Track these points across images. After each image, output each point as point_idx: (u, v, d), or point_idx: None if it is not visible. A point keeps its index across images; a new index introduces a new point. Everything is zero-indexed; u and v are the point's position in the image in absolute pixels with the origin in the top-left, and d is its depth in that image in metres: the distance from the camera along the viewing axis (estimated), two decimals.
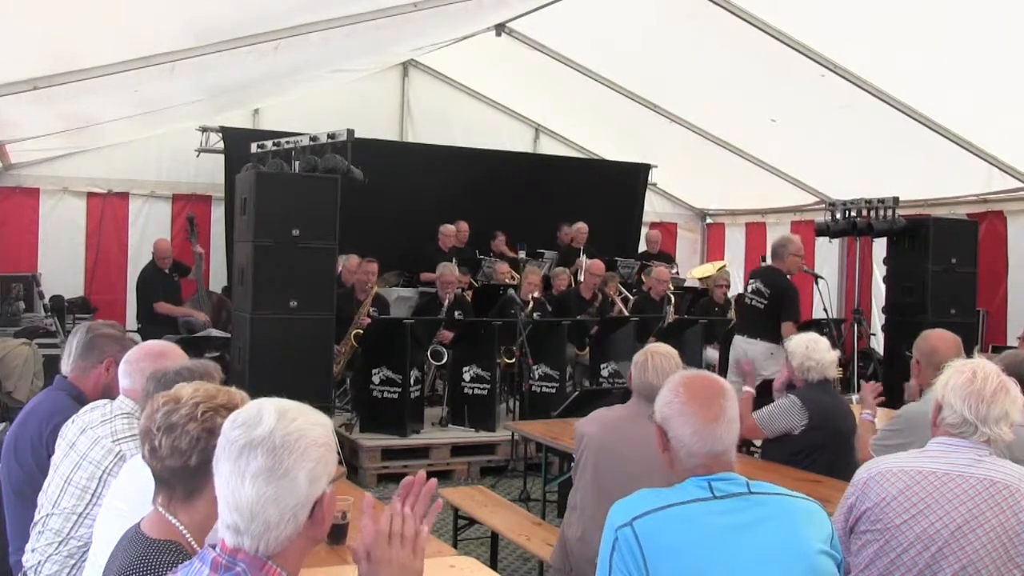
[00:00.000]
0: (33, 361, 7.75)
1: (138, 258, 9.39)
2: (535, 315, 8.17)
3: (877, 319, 9.11)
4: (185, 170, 9.97)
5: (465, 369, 7.37)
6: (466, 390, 7.37)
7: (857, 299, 9.27)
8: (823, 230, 8.07)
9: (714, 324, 8.61)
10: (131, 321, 8.81)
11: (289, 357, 6.30)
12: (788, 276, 6.66)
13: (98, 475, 2.67)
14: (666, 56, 8.76)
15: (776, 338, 6.47)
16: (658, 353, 3.42)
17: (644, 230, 11.77)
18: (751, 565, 1.98)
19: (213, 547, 1.58)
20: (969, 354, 3.76)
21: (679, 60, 8.71)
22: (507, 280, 9.10)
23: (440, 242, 9.55)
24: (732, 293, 9.49)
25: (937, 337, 3.83)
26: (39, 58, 5.25)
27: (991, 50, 6.70)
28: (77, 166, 9.61)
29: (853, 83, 7.65)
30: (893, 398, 5.07)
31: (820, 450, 4.17)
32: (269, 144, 7.20)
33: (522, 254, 10.12)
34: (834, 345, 4.72)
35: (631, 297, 9.49)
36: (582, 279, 9.32)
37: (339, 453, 5.62)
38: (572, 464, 3.82)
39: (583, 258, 9.85)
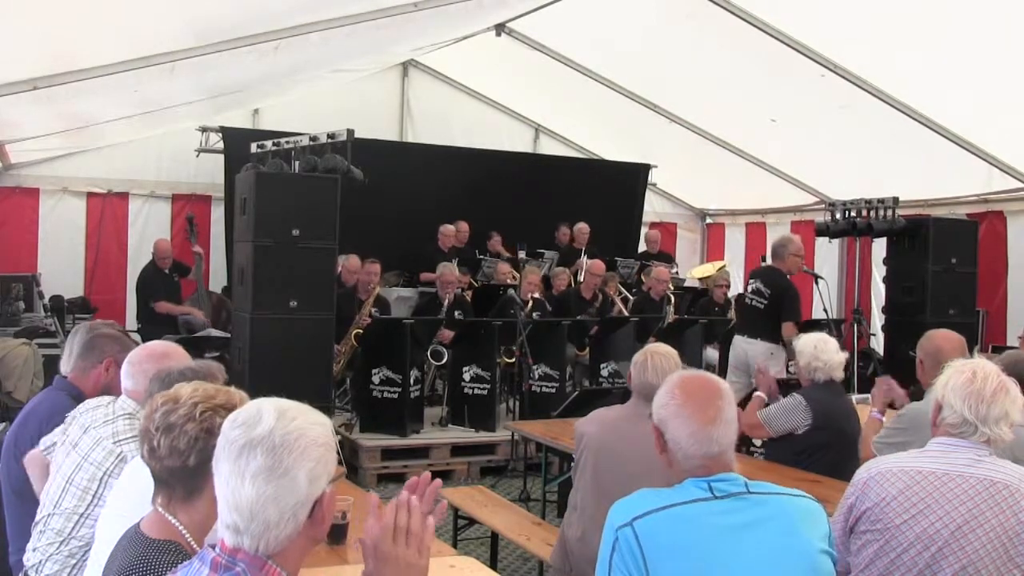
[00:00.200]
0: (33, 361, 7.74)
1: (138, 258, 9.38)
2: (535, 315, 8.16)
3: (877, 319, 9.10)
4: (185, 170, 9.97)
5: (465, 369, 7.38)
6: (466, 390, 7.37)
7: (857, 299, 9.24)
8: (823, 230, 8.05)
9: (714, 324, 8.61)
10: (131, 321, 8.81)
11: (289, 357, 6.29)
12: (788, 276, 6.66)
13: (99, 476, 2.67)
14: (666, 56, 8.76)
15: (776, 338, 6.48)
16: (658, 353, 3.43)
17: (644, 230, 11.77)
18: (752, 565, 1.97)
19: (213, 547, 1.58)
20: (969, 354, 3.76)
21: (679, 60, 8.71)
22: (508, 280, 9.10)
23: (440, 242, 9.55)
24: (732, 293, 9.48)
25: (942, 337, 3.82)
26: (39, 58, 5.24)
27: (991, 50, 6.69)
28: (77, 166, 9.61)
29: (853, 83, 7.65)
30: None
31: (824, 450, 4.17)
32: (269, 144, 7.19)
33: (522, 254, 10.11)
34: None
35: (631, 297, 9.49)
36: (582, 279, 9.32)
37: (339, 453, 5.62)
38: (572, 464, 3.82)
39: (584, 258, 9.84)
